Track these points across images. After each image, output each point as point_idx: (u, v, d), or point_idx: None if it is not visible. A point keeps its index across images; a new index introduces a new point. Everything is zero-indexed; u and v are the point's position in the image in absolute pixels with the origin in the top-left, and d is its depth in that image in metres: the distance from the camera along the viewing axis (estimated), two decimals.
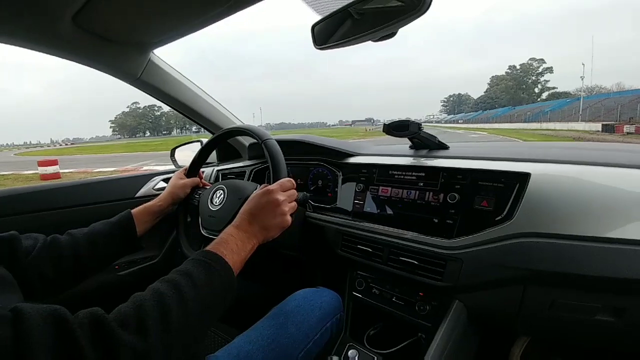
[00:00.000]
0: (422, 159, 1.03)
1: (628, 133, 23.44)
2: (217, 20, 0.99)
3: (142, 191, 1.51)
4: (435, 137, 1.07)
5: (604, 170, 0.76)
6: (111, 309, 0.48)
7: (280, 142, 1.36)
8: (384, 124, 0.99)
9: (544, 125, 41.80)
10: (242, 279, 0.66)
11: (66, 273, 0.80)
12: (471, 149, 1.04)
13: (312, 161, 1.30)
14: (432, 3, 0.61)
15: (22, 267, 0.71)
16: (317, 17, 0.86)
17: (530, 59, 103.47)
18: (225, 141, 1.62)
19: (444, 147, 1.07)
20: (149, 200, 1.04)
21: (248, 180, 1.43)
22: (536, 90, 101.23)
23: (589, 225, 0.70)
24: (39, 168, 12.38)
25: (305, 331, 0.84)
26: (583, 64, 55.67)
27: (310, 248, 1.20)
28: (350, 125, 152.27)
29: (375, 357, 0.98)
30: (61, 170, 12.80)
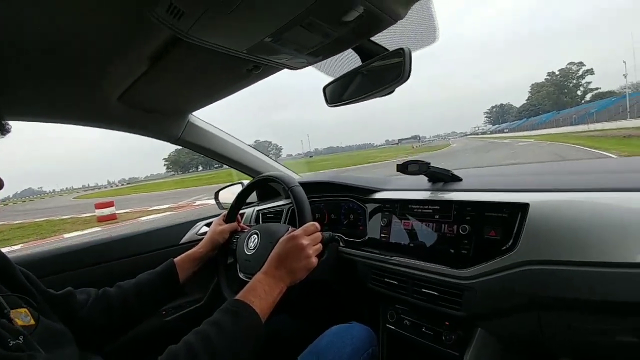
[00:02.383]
0: (438, 193, 1.09)
1: None
2: (246, 87, 1.14)
3: (187, 237, 1.61)
4: (449, 171, 1.14)
5: (601, 196, 0.79)
6: (158, 354, 0.58)
7: (310, 183, 1.49)
8: (397, 165, 1.07)
9: (592, 126, 39.48)
10: (280, 314, 0.74)
11: (116, 323, 0.89)
12: (482, 180, 1.10)
13: (343, 197, 1.38)
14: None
15: (77, 321, 0.80)
16: (329, 79, 1.00)
17: (569, 64, 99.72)
18: (260, 186, 1.73)
19: (457, 179, 1.13)
20: (193, 246, 1.14)
21: (285, 219, 1.53)
22: (579, 92, 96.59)
23: (589, 251, 0.73)
24: (96, 210, 12.99)
25: None
26: (624, 62, 52.70)
27: (344, 283, 1.25)
28: (397, 144, 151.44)
29: None
30: (117, 211, 13.43)
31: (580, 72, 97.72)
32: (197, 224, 1.69)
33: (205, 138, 1.53)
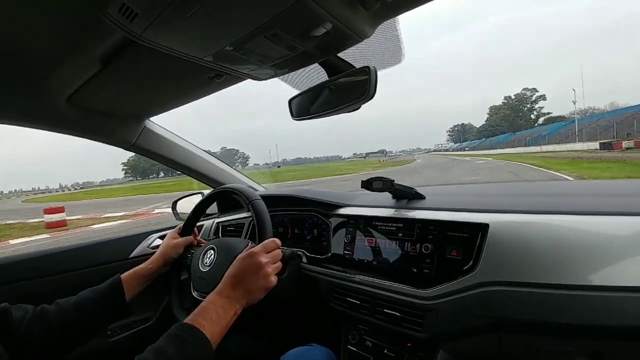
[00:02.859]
0: (402, 210, 1.09)
1: (627, 148, 23.81)
2: (209, 94, 1.10)
3: (137, 250, 1.51)
4: (412, 189, 1.14)
5: (557, 219, 0.82)
6: None
7: (274, 197, 1.45)
8: (362, 181, 1.07)
9: (544, 147, 42.31)
10: (236, 334, 0.69)
11: (55, 343, 0.81)
12: (444, 198, 1.10)
13: (307, 212, 1.35)
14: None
15: (12, 340, 0.73)
16: (295, 92, 0.98)
17: (523, 89, 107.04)
18: (219, 199, 1.66)
19: (420, 197, 1.14)
20: (144, 260, 1.07)
21: (246, 233, 1.47)
22: (532, 116, 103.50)
23: (545, 273, 0.75)
24: (45, 216, 12.29)
25: None
26: (574, 89, 57.18)
27: (305, 301, 1.22)
28: (365, 157, 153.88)
29: None
30: (68, 217, 12.75)
31: (533, 97, 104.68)
32: (150, 236, 1.59)
33: (163, 145, 1.46)
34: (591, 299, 0.69)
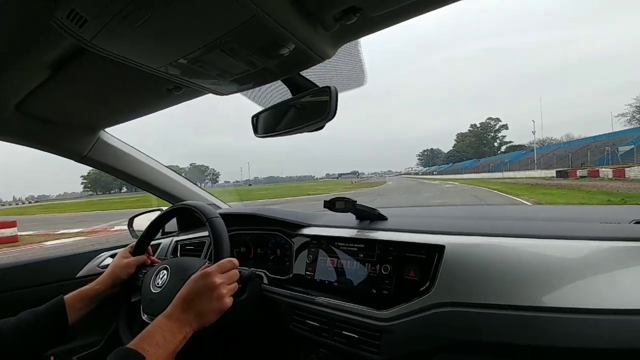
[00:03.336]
0: (364, 231, 1.09)
1: (581, 176, 25.24)
2: (168, 107, 1.07)
3: (85, 270, 1.43)
4: (375, 210, 1.15)
5: (515, 242, 0.84)
6: None
7: (237, 215, 1.42)
8: (325, 201, 1.06)
9: (506, 174, 44.56)
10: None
11: None
12: (405, 220, 1.12)
13: (270, 231, 1.32)
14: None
15: None
16: (258, 108, 0.97)
17: (488, 118, 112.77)
18: (177, 216, 1.60)
19: (382, 218, 1.15)
20: (92, 280, 1.00)
21: (207, 253, 1.42)
22: (495, 144, 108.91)
23: (497, 294, 0.76)
24: None
25: None
26: (533, 121, 60.98)
27: (265, 323, 1.18)
28: (337, 178, 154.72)
29: None
30: (20, 233, 12.00)
31: (497, 127, 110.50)
32: (101, 254, 1.50)
33: (119, 158, 1.40)
34: (542, 320, 0.71)
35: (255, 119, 0.96)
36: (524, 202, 12.91)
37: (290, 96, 0.87)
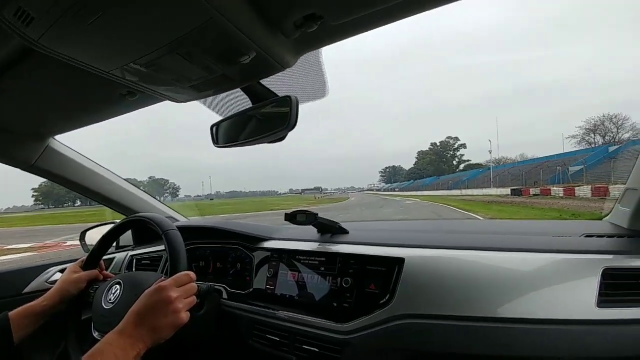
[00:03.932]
0: (325, 244, 1.09)
1: (534, 194, 26.67)
2: (123, 113, 1.02)
3: (33, 285, 1.35)
4: (337, 223, 1.15)
5: (471, 254, 0.86)
6: None
7: (195, 228, 1.37)
8: (286, 213, 1.05)
9: (464, 191, 46.46)
10: None
11: None
12: (366, 234, 1.13)
13: (230, 245, 1.29)
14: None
15: None
16: (217, 118, 0.95)
17: (447, 137, 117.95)
18: (131, 228, 1.54)
19: (344, 231, 1.15)
20: (39, 297, 0.94)
21: (164, 267, 1.36)
22: (454, 162, 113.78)
23: (457, 306, 0.78)
24: None
25: None
26: (490, 140, 64.53)
27: (224, 339, 1.14)
28: (301, 193, 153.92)
29: None
30: None
31: (455, 145, 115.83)
32: (49, 269, 1.42)
33: (69, 168, 1.32)
34: (498, 330, 0.73)
35: (215, 128, 0.94)
36: (481, 218, 13.51)
37: (250, 105, 0.86)
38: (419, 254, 0.90)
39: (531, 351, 0.71)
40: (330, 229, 1.15)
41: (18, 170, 1.24)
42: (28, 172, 1.27)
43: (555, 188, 25.84)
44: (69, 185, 1.36)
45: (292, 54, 0.66)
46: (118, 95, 0.85)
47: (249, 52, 0.60)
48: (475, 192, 42.37)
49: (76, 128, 1.14)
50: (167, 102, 0.92)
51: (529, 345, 0.71)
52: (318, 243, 1.11)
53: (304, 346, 0.94)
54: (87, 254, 1.13)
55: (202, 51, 0.60)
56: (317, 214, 1.06)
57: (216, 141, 0.94)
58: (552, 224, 1.33)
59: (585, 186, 21.76)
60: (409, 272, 0.86)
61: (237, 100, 0.89)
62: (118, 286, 0.95)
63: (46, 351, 1.33)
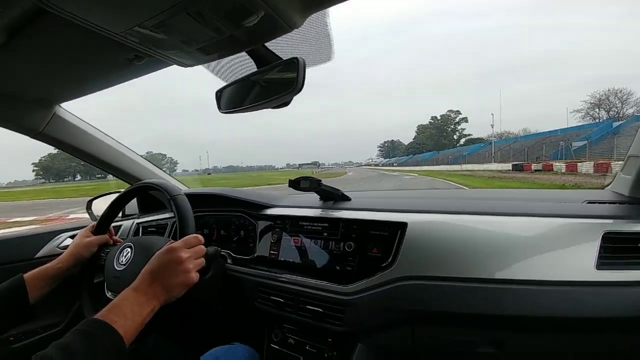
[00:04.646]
0: (328, 211, 1.11)
1: (536, 170, 26.60)
2: (128, 79, 1.02)
3: (45, 250, 1.39)
4: (339, 190, 1.17)
5: (471, 219, 0.89)
6: None
7: (199, 195, 1.39)
8: (290, 180, 1.07)
9: (464, 166, 46.31)
10: (153, 336, 0.64)
11: None
12: (368, 201, 1.14)
13: (234, 212, 1.31)
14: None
15: None
16: (222, 84, 0.94)
17: (448, 111, 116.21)
18: (138, 195, 1.56)
19: (346, 198, 1.17)
20: (51, 261, 0.97)
21: (169, 234, 1.40)
22: (455, 137, 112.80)
23: (455, 267, 0.81)
24: None
25: None
26: (492, 114, 63.25)
27: (229, 302, 1.18)
28: (298, 168, 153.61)
29: None
30: None
31: (457, 119, 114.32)
32: (60, 235, 1.45)
33: (76, 135, 1.33)
34: (498, 291, 0.76)
35: (219, 94, 0.93)
36: None
37: (256, 70, 0.85)
38: (422, 219, 0.92)
39: (531, 311, 0.74)
40: (333, 196, 1.17)
41: (18, 144, 1.24)
42: (36, 139, 1.27)
43: (557, 164, 25.68)
44: (76, 153, 1.37)
45: (300, 14, 0.65)
46: (125, 60, 0.85)
47: (258, 11, 0.59)
48: (475, 167, 42.14)
49: (83, 94, 1.14)
50: (168, 72, 0.91)
51: (528, 306, 0.74)
52: (321, 209, 1.13)
53: (307, 306, 0.98)
54: (96, 221, 1.16)
55: (211, 10, 0.59)
56: (320, 181, 1.08)
57: (220, 107, 0.93)
58: (555, 192, 1.36)
59: (587, 162, 21.64)
60: (412, 236, 0.88)
61: (241, 65, 0.88)
62: (129, 249, 0.97)
63: (60, 312, 1.39)
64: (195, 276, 0.80)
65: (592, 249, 0.76)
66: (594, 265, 0.74)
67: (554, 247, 0.78)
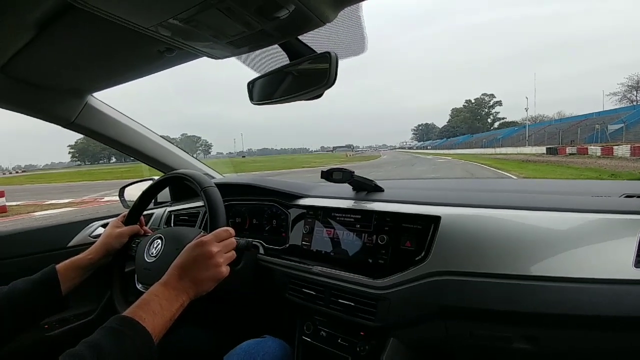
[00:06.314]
0: (361, 202, 1.09)
1: (571, 154, 25.55)
2: (160, 70, 1.03)
3: (77, 239, 1.41)
4: (372, 181, 1.15)
5: (507, 213, 0.85)
6: None
7: (232, 185, 1.40)
8: (322, 171, 1.06)
9: (498, 150, 44.83)
10: (184, 326, 0.65)
11: None
12: (402, 192, 1.12)
13: (266, 202, 1.31)
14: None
15: None
16: (254, 75, 0.94)
17: (482, 94, 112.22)
18: (170, 185, 1.58)
19: (379, 189, 1.15)
20: (83, 250, 0.99)
21: (201, 223, 1.41)
22: (489, 120, 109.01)
23: (490, 263, 0.78)
24: None
25: None
26: (527, 97, 60.34)
27: (260, 293, 1.19)
28: (332, 151, 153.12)
29: None
30: (8, 203, 11.78)
31: (491, 103, 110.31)
32: (92, 224, 1.48)
33: (108, 125, 1.35)
34: (534, 288, 0.74)
35: (251, 85, 0.93)
36: (514, 177, 13.10)
37: (288, 62, 0.84)
38: (455, 212, 0.89)
39: (569, 309, 0.71)
40: (365, 187, 1.15)
41: (54, 126, 1.29)
42: (69, 129, 1.30)
43: (592, 147, 24.56)
44: (108, 142, 1.40)
45: (332, 8, 0.63)
46: (156, 52, 0.86)
47: (288, 5, 0.58)
48: (509, 150, 40.74)
49: (114, 85, 1.16)
50: (201, 58, 0.91)
51: (566, 303, 0.71)
52: (354, 201, 1.12)
53: (339, 300, 0.97)
54: (127, 210, 1.18)
55: (242, 6, 0.58)
56: (353, 172, 1.06)
57: (252, 98, 0.93)
58: (591, 183, 1.27)
59: (624, 145, 20.53)
60: (445, 230, 0.86)
61: (273, 57, 0.87)
62: (160, 241, 0.99)
63: (92, 300, 1.43)
64: (225, 270, 0.80)
65: (630, 246, 0.71)
66: (632, 263, 0.70)
67: (590, 244, 0.74)
